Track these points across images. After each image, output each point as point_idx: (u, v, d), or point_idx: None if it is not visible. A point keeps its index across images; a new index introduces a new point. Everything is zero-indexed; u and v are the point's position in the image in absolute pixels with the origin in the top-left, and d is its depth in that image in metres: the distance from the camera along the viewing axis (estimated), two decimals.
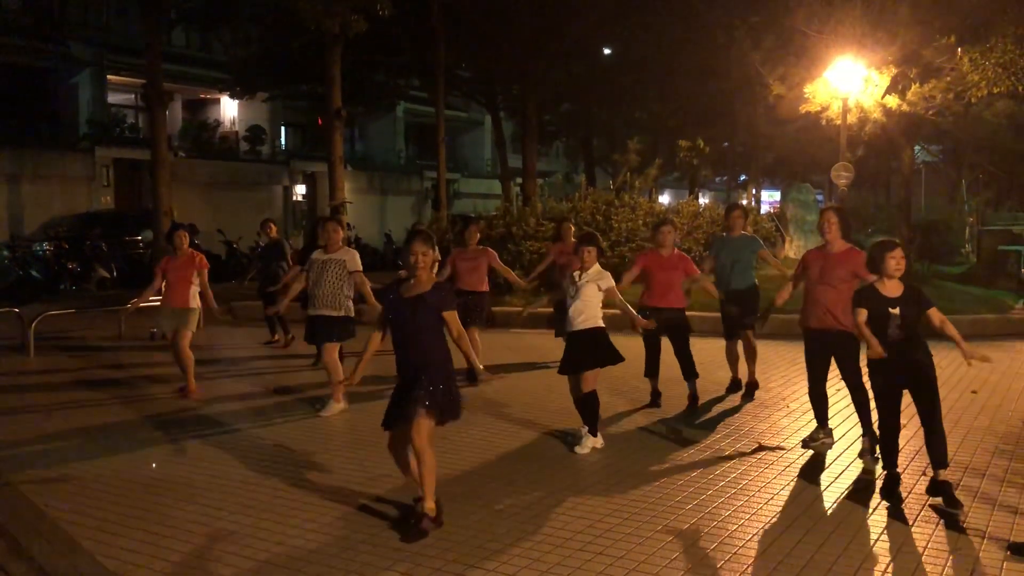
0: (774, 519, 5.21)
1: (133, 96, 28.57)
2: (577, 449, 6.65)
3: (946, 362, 10.01)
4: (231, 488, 5.80)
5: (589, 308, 6.72)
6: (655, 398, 8.22)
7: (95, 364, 10.75)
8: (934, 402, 5.49)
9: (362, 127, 38.27)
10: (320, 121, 25.87)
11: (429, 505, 5.01)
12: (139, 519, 5.22)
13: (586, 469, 6.22)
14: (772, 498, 5.59)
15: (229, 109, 32.03)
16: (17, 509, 5.47)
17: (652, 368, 8.23)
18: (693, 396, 8.20)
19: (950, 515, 5.12)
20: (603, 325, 6.76)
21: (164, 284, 8.81)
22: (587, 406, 6.72)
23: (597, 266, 6.81)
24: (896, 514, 5.27)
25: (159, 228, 14.79)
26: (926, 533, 4.96)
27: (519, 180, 27.28)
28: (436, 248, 5.31)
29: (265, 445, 6.89)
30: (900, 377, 5.54)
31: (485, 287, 9.54)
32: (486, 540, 4.85)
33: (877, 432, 5.86)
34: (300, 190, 33.41)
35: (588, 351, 6.69)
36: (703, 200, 26.72)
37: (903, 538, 4.90)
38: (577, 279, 6.77)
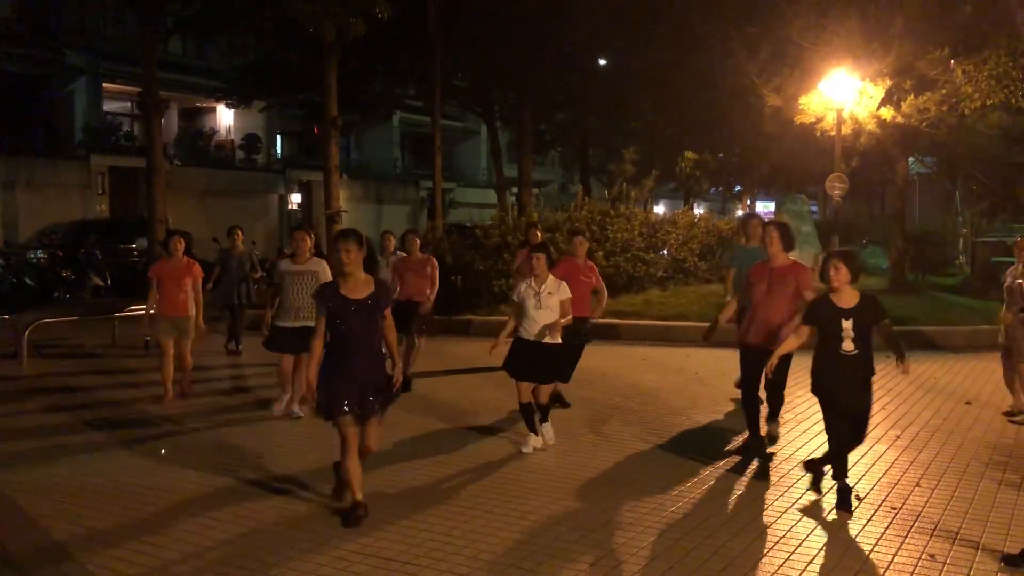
0: (766, 531, 5.20)
1: (129, 104, 28.53)
2: (523, 449, 6.86)
3: (940, 373, 10.05)
4: (223, 496, 5.77)
5: (539, 321, 6.75)
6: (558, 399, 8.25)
7: (88, 372, 10.71)
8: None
9: (358, 136, 38.27)
10: (316, 130, 25.84)
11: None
12: (130, 528, 5.19)
13: (581, 479, 6.20)
14: (764, 510, 5.58)
15: (225, 118, 32.03)
16: (7, 517, 5.44)
17: (566, 374, 8.14)
18: (556, 394, 8.23)
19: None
20: (552, 342, 6.80)
21: (159, 291, 8.75)
22: (523, 411, 6.92)
23: (552, 276, 6.82)
24: (890, 527, 5.26)
25: (154, 236, 14.75)
26: (919, 544, 4.95)
27: (515, 190, 27.30)
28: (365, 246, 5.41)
29: (256, 453, 6.86)
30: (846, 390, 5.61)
31: (429, 295, 9.47)
32: (480, 550, 4.83)
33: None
34: (296, 199, 33.35)
35: (548, 365, 6.82)
36: (698, 211, 26.75)
37: (896, 550, 4.90)
38: (538, 288, 6.76)
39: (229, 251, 12.17)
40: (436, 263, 9.70)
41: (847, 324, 5.46)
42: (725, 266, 10.08)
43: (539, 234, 10.29)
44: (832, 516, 5.46)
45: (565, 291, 6.80)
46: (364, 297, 5.25)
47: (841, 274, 5.50)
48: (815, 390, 5.72)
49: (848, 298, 5.53)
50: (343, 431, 5.24)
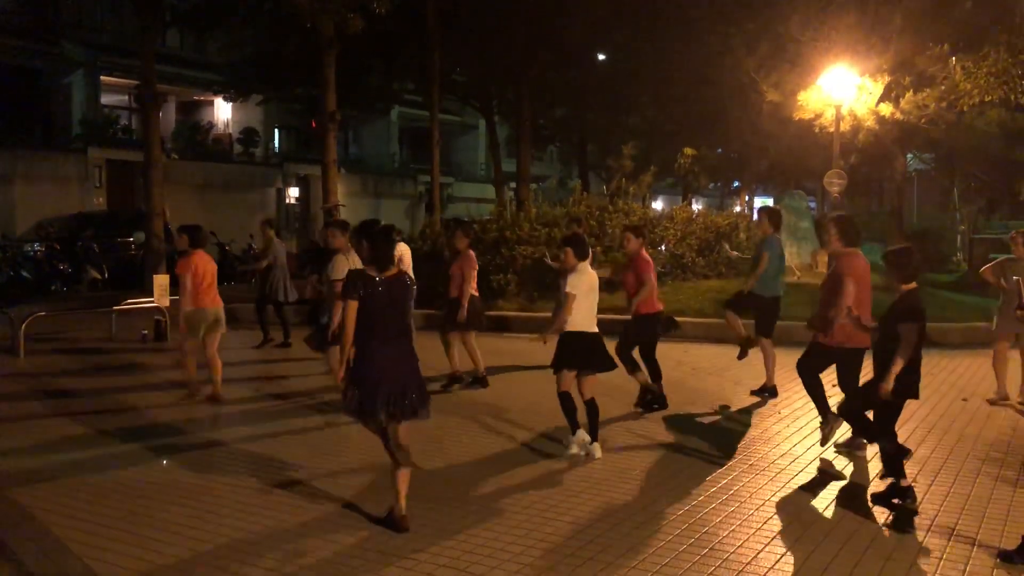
0: (765, 526, 5.21)
1: (126, 97, 28.49)
2: (567, 452, 6.64)
3: (937, 369, 10.07)
4: (220, 491, 5.77)
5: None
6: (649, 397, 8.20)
7: (85, 365, 10.70)
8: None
9: (356, 130, 38.24)
10: (314, 124, 25.81)
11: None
12: (128, 522, 5.19)
13: (578, 476, 6.20)
14: (763, 505, 5.59)
15: (223, 111, 31.97)
16: (5, 511, 5.43)
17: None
18: (649, 392, 8.23)
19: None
20: (579, 328, 6.59)
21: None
22: (561, 405, 6.69)
23: (578, 267, 6.65)
24: (887, 522, 5.27)
25: (151, 230, 14.72)
26: (917, 540, 4.97)
27: (513, 184, 27.29)
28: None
29: (255, 449, 6.86)
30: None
31: (463, 292, 9.12)
32: (476, 545, 4.84)
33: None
34: (293, 192, 33.35)
35: (561, 353, 6.66)
36: (696, 206, 26.77)
37: (893, 545, 4.91)
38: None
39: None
40: (470, 258, 9.16)
41: (881, 321, 5.58)
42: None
43: (576, 228, 10.08)
44: (829, 512, 5.47)
45: (568, 283, 6.58)
46: None
47: (891, 274, 5.58)
48: None
49: (896, 296, 5.55)
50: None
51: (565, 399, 6.66)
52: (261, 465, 6.39)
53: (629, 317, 8.16)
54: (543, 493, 5.75)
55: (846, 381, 6.54)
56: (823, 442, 6.69)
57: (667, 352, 11.28)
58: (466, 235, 9.40)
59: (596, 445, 6.64)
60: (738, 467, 6.39)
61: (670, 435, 7.32)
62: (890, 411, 5.53)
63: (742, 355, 8.92)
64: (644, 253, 8.29)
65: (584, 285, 6.63)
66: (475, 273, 9.18)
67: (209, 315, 8.56)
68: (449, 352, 9.23)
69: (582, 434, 6.67)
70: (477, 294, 9.30)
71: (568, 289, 6.56)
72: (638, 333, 8.21)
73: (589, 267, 6.76)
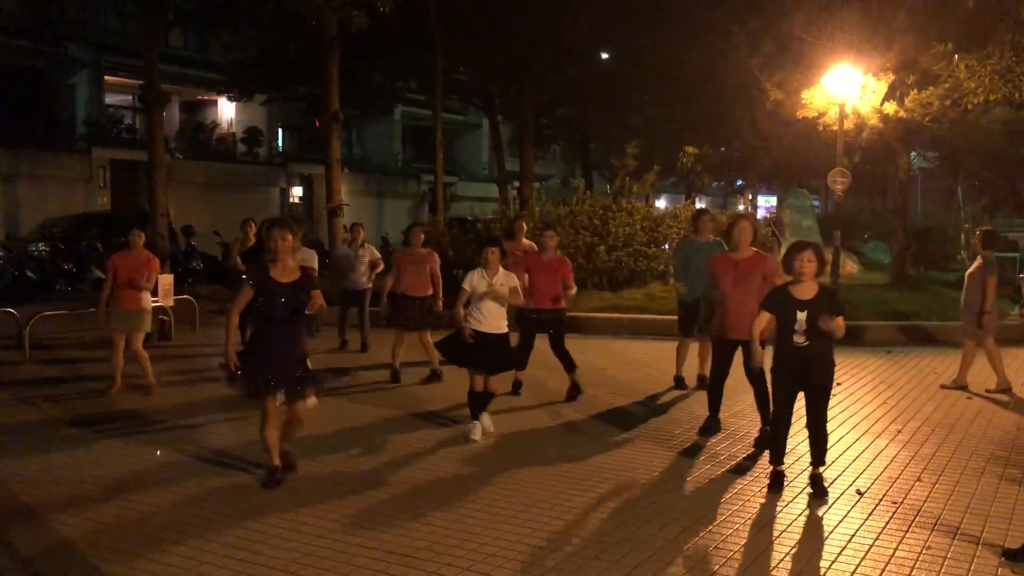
0: (766, 526, 5.21)
1: (130, 97, 28.55)
2: (472, 437, 6.95)
3: (942, 367, 10.06)
4: (225, 490, 5.79)
5: (492, 312, 7.00)
6: (516, 388, 8.62)
7: (89, 364, 10.71)
8: (821, 407, 5.71)
9: (360, 130, 38.27)
10: (317, 123, 25.83)
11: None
12: (134, 520, 5.20)
13: (577, 472, 6.20)
14: (763, 504, 5.58)
15: (226, 111, 32.02)
16: (10, 510, 5.45)
17: (521, 361, 8.39)
18: (574, 385, 8.51)
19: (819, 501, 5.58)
20: (504, 331, 7.08)
21: (114, 284, 8.79)
22: (475, 399, 7.04)
23: (502, 269, 7.08)
24: (890, 521, 5.27)
25: (155, 229, 14.75)
26: (920, 539, 4.96)
27: (516, 184, 27.28)
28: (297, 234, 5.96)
29: (257, 447, 6.86)
30: (796, 379, 5.67)
31: (429, 291, 9.32)
32: (480, 544, 4.85)
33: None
34: (297, 192, 33.40)
35: (486, 355, 6.99)
36: (700, 205, 26.71)
37: (896, 544, 4.90)
38: (490, 280, 6.99)
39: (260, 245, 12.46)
40: (437, 258, 9.55)
41: (801, 316, 5.48)
42: (668, 256, 10.32)
43: (524, 226, 10.76)
44: (831, 511, 5.46)
45: (513, 280, 7.07)
46: (289, 282, 5.73)
47: (813, 266, 5.54)
48: (771, 372, 5.84)
49: (807, 290, 5.55)
50: (268, 406, 5.82)
51: (484, 396, 7.09)
52: (266, 460, 6.39)
53: (537, 314, 8.41)
54: (545, 492, 5.75)
55: (726, 368, 6.99)
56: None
57: (668, 350, 11.29)
58: (423, 232, 9.76)
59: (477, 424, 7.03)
60: (739, 464, 6.38)
61: (671, 434, 7.32)
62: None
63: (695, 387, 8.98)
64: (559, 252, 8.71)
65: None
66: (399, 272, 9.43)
67: (146, 314, 8.92)
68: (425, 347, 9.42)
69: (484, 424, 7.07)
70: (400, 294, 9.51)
71: (516, 284, 7.03)
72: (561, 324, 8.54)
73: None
